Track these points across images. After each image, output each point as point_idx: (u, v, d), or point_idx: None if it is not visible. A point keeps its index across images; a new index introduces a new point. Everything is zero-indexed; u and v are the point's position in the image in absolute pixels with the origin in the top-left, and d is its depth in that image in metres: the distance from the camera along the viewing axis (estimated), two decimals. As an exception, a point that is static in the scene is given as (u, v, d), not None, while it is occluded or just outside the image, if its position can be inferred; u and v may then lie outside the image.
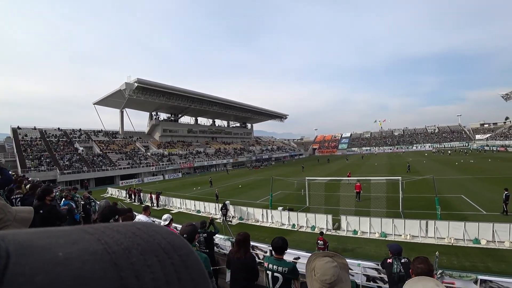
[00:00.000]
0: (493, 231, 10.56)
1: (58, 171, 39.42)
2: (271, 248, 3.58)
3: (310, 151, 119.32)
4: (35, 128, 50.66)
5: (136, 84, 51.53)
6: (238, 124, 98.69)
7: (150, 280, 0.17)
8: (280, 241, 3.25)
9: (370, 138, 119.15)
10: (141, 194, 26.40)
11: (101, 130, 61.26)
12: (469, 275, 6.40)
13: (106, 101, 60.39)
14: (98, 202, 8.08)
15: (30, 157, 40.93)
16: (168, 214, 5.62)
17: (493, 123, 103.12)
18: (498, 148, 65.78)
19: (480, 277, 6.31)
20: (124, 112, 64.12)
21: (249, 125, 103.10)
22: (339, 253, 1.61)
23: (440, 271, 6.49)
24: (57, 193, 9.82)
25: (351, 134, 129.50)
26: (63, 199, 7.00)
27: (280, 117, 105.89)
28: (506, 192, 14.16)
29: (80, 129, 57.61)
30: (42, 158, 41.95)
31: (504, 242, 10.32)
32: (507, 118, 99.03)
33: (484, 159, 45.27)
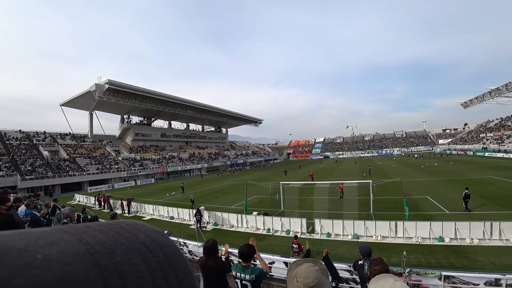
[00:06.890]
0: (455, 229, 11.23)
1: (19, 176, 36.60)
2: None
3: (284, 155, 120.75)
4: (-8, 130, 46.88)
5: (106, 86, 49.30)
6: (212, 129, 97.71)
7: (135, 279, 0.17)
8: (246, 248, 3.24)
9: (342, 143, 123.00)
10: (111, 200, 25.19)
11: (69, 133, 57.86)
12: (433, 272, 6.70)
13: (74, 103, 56.96)
14: (62, 210, 7.49)
15: (-14, 162, 37.70)
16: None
17: (454, 129, 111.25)
18: (458, 152, 70.56)
19: (444, 273, 6.63)
20: (94, 115, 60.97)
21: (224, 130, 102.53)
22: (318, 260, 1.62)
23: (408, 269, 6.73)
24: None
25: (324, 139, 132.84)
26: (25, 208, 6.37)
27: (255, 122, 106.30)
28: (466, 191, 15.15)
29: (44, 131, 53.98)
30: (1, 162, 38.80)
31: (465, 239, 11.00)
32: (466, 124, 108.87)
33: (447, 162, 48.28)
